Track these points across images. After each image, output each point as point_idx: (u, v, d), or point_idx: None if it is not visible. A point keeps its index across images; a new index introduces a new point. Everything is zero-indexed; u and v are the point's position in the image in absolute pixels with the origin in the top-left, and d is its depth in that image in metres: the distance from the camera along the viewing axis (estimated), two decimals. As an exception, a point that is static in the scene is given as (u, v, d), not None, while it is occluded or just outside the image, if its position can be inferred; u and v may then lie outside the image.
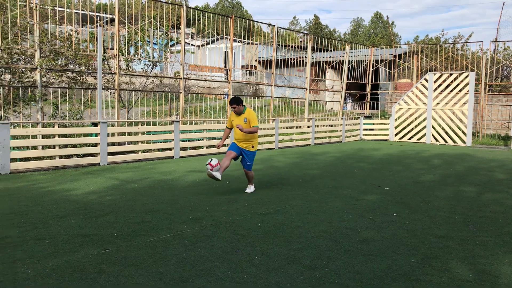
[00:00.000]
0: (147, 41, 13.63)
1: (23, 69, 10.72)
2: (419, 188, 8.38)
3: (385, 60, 24.17)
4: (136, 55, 13.16)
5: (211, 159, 7.21)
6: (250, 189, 7.73)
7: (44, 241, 4.81)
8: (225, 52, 29.87)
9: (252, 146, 7.51)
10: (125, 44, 12.92)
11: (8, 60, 10.56)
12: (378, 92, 24.63)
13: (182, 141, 12.83)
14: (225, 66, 29.24)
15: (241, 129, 7.21)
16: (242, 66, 27.90)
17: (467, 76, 17.75)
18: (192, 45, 29.56)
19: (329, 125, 18.53)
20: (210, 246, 4.75)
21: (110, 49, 14.34)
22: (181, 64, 13.89)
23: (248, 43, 28.16)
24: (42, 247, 4.63)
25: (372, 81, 23.28)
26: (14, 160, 9.48)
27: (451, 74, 18.21)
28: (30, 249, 4.54)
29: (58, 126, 10.41)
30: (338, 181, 9.06)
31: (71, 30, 11.62)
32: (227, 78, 27.79)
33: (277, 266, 4.20)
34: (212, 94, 21.48)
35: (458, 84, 17.95)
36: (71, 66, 11.77)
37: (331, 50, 22.16)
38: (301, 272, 4.06)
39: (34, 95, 10.87)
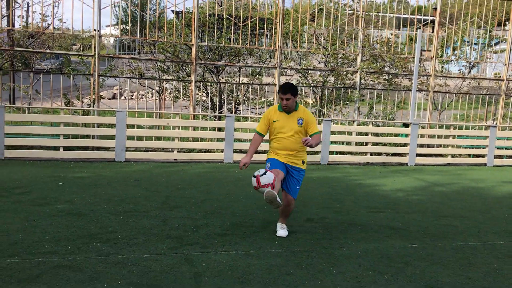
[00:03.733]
0: (466, 41, 13.00)
1: (346, 72, 11.86)
2: None
3: None
4: (454, 56, 12.74)
5: (262, 172, 4.42)
6: (283, 230, 4.79)
7: (356, 227, 5.32)
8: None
9: (303, 161, 4.79)
10: (442, 46, 12.67)
11: (334, 64, 11.89)
12: None
13: (498, 148, 11.74)
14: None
15: (309, 144, 4.43)
16: None
17: None
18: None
19: None
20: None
21: (427, 50, 14.32)
22: (505, 64, 12.69)
23: None
24: (354, 231, 5.13)
25: None
26: (331, 153, 10.63)
27: None
28: (345, 231, 5.10)
29: (372, 125, 11.11)
30: None
31: (391, 34, 12.16)
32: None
33: None
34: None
35: None
36: (387, 69, 12.32)
37: None
38: None
39: (353, 95, 11.89)
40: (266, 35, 11.89)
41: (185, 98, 11.81)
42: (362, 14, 11.63)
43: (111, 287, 3.37)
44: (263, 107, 11.91)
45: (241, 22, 11.04)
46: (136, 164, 9.13)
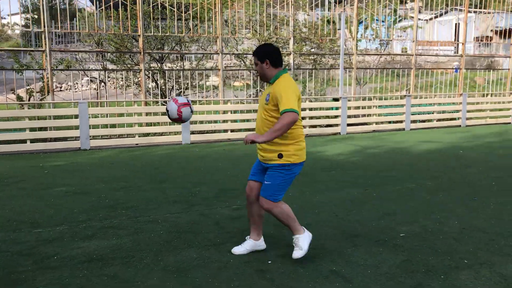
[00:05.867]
0: (376, 19, 14.72)
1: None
2: None
3: None
4: (371, 35, 14.44)
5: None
6: (299, 247, 3.63)
7: (318, 183, 6.60)
8: (456, 24, 28.80)
9: (280, 155, 3.55)
10: (356, 25, 14.28)
11: (269, 48, 13.08)
12: None
13: (412, 114, 13.69)
14: (455, 40, 28.29)
15: (249, 140, 3.46)
16: (475, 38, 26.50)
17: None
18: (419, 19, 29.35)
19: None
20: (448, 195, 5.82)
21: (338, 29, 15.98)
22: (413, 41, 14.63)
23: (482, 13, 26.57)
24: (318, 186, 6.41)
25: None
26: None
27: None
28: (311, 186, 6.36)
29: (308, 102, 12.51)
30: None
31: (318, 19, 13.55)
32: (457, 52, 26.71)
33: (510, 213, 5.05)
34: (441, 69, 21.39)
35: None
36: (316, 50, 13.75)
37: None
38: (533, 217, 4.84)
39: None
40: (208, 23, 12.76)
41: (130, 86, 12.43)
42: (291, 1, 12.88)
43: (156, 234, 4.34)
44: (209, 90, 12.87)
45: (183, 11, 11.83)
46: (101, 150, 9.76)
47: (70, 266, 3.63)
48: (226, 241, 4.17)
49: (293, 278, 3.43)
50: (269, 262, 3.71)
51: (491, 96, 15.77)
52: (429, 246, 4.02)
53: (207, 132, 11.45)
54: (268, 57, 3.60)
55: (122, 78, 12.04)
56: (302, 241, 3.65)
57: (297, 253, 3.63)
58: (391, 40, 15.41)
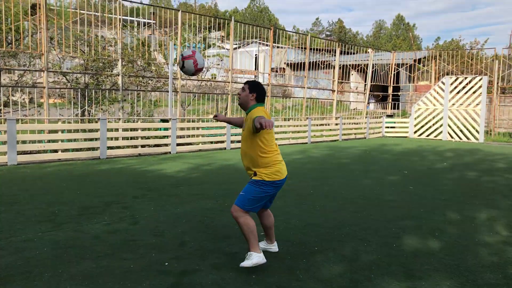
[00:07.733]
0: (188, 45, 15.99)
1: (109, 75, 13.20)
2: (432, 172, 10.57)
3: (406, 64, 26.21)
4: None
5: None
6: (249, 259, 4.07)
7: (172, 197, 7.20)
8: (255, 55, 32.48)
9: (255, 173, 4.15)
10: (173, 50, 15.29)
11: (97, 67, 13.08)
12: (399, 93, 26.68)
13: (232, 135, 15.20)
14: (255, 69, 31.89)
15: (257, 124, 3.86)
16: (272, 69, 30.22)
17: (480, 79, 19.72)
18: (225, 48, 32.14)
19: (355, 123, 20.71)
20: (284, 201, 7.06)
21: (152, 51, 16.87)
22: (228, 69, 16.28)
23: (277, 47, 30.62)
24: (171, 201, 7.00)
25: (393, 83, 25.33)
26: (108, 148, 11.94)
27: (466, 78, 20.19)
28: (169, 200, 6.92)
29: (141, 122, 12.87)
30: (366, 167, 11.29)
31: (143, 44, 14.08)
32: (257, 80, 30.01)
33: (333, 211, 6.50)
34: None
35: (472, 87, 19.92)
36: (144, 73, 14.24)
37: (354, 53, 24.35)
38: (348, 216, 6.34)
39: (117, 96, 13.36)
40: (32, 39, 12.14)
41: None
42: (119, 25, 13.17)
43: (41, 251, 4.41)
44: (31, 108, 12.17)
45: (3, 23, 11.09)
46: None
47: (-32, 287, 3.56)
48: (115, 252, 4.52)
49: (191, 272, 4.04)
50: (166, 264, 4.24)
51: (291, 120, 18.45)
52: (286, 239, 5.06)
53: (32, 152, 10.88)
54: (257, 91, 4.21)
55: None
56: (254, 256, 4.06)
57: (245, 262, 4.03)
58: (210, 68, 16.84)
